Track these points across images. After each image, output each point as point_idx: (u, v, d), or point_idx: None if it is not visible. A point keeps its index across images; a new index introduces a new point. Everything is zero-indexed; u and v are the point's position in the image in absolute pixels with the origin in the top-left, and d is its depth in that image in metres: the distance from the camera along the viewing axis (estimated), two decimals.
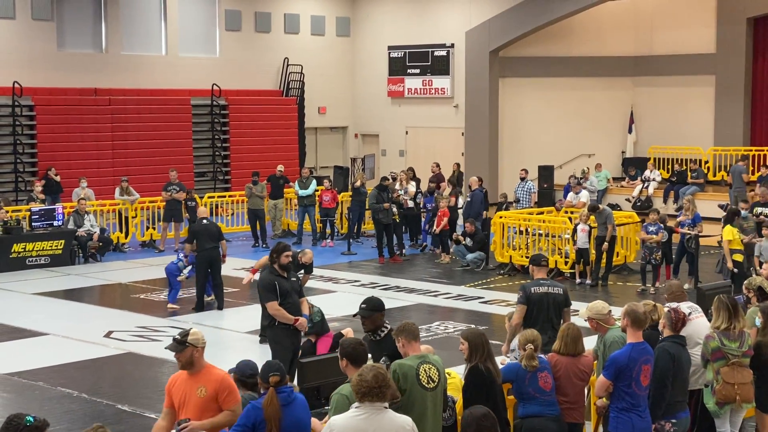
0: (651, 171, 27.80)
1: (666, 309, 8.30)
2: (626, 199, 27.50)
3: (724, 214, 18.16)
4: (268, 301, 10.69)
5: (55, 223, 20.75)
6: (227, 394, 7.10)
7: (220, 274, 16.30)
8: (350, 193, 23.84)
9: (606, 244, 18.27)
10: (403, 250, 21.70)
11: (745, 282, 10.15)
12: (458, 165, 26.29)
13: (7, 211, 20.61)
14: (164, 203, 22.68)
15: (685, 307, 8.95)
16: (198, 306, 16.20)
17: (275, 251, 10.83)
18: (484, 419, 6.55)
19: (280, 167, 24.63)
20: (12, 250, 19.92)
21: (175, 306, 16.31)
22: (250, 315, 15.54)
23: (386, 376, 6.31)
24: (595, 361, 8.42)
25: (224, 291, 16.63)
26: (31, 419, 5.65)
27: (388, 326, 8.04)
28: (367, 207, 23.03)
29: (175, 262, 16.51)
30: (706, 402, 8.72)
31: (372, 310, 8.06)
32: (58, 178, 24.03)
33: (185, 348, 7.14)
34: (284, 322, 10.63)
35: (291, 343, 10.73)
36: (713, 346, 8.55)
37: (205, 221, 16.25)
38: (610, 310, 8.51)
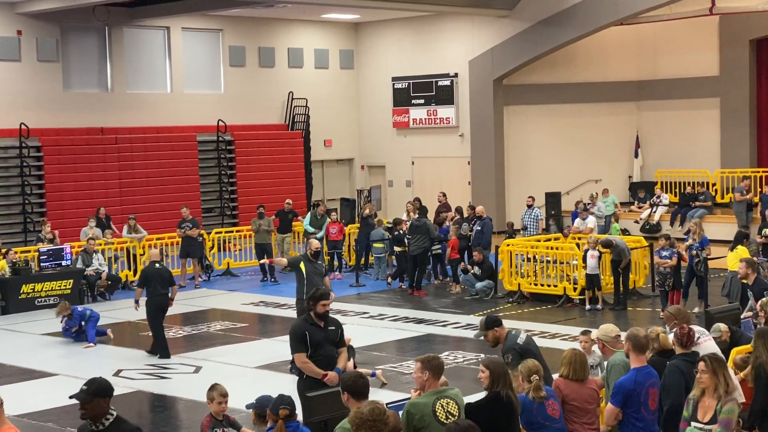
0: (659, 196, 27.75)
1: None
2: (635, 221, 27.50)
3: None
4: (296, 352, 9.82)
5: (64, 263, 20.79)
6: None
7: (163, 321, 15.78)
8: (358, 224, 23.79)
9: (620, 271, 18.39)
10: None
11: (762, 301, 10.10)
12: (444, 194, 25.96)
13: (16, 252, 20.67)
14: (180, 240, 22.75)
15: (694, 330, 8.91)
16: (163, 352, 15.46)
17: (312, 298, 9.93)
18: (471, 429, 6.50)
19: (289, 201, 24.64)
20: (21, 291, 19.94)
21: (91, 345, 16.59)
22: (258, 349, 15.53)
23: (385, 412, 6.29)
24: (603, 389, 8.38)
25: (233, 325, 16.52)
26: None
27: (114, 413, 6.48)
28: (371, 238, 23.07)
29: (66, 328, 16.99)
30: None
31: (94, 394, 6.39)
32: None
33: None
34: (312, 376, 9.71)
35: None
36: None
37: (157, 265, 15.78)
38: (618, 334, 8.49)
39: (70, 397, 6.44)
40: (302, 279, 13.98)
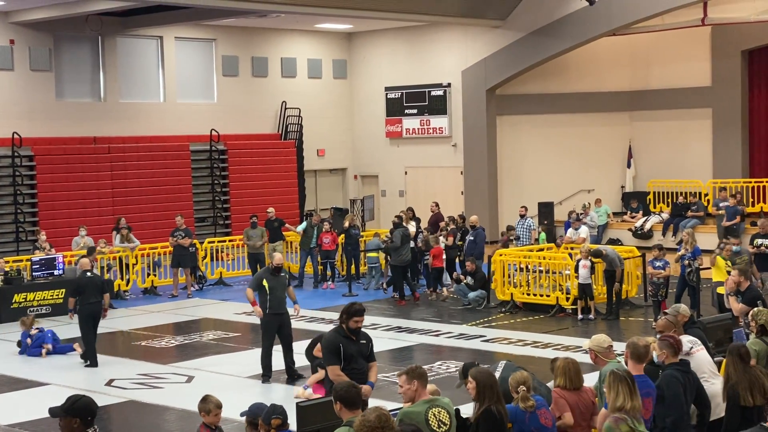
0: (661, 213, 27.80)
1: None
2: (629, 229, 27.56)
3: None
4: (330, 365, 9.80)
5: (56, 273, 20.74)
6: None
7: (97, 329, 15.92)
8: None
9: (617, 284, 18.36)
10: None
11: (753, 311, 10.09)
12: (437, 204, 25.93)
13: (8, 261, 20.62)
14: (172, 249, 22.70)
15: (686, 340, 8.92)
16: (92, 360, 15.72)
17: (346, 313, 9.83)
18: None
19: (271, 209, 24.60)
20: (13, 300, 19.89)
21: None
22: (252, 360, 15.50)
23: (390, 417, 6.25)
24: (596, 398, 8.39)
25: (226, 335, 16.50)
26: None
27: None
28: (362, 249, 23.04)
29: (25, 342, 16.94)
30: None
31: (65, 411, 6.15)
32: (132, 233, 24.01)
33: None
34: None
35: None
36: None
37: (89, 274, 15.95)
38: (610, 345, 8.48)
39: (48, 410, 6.39)
40: (265, 293, 14.25)
